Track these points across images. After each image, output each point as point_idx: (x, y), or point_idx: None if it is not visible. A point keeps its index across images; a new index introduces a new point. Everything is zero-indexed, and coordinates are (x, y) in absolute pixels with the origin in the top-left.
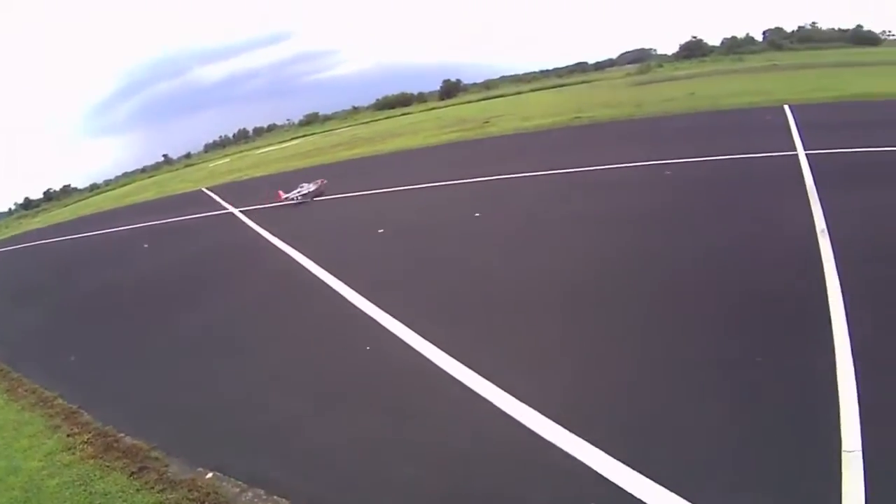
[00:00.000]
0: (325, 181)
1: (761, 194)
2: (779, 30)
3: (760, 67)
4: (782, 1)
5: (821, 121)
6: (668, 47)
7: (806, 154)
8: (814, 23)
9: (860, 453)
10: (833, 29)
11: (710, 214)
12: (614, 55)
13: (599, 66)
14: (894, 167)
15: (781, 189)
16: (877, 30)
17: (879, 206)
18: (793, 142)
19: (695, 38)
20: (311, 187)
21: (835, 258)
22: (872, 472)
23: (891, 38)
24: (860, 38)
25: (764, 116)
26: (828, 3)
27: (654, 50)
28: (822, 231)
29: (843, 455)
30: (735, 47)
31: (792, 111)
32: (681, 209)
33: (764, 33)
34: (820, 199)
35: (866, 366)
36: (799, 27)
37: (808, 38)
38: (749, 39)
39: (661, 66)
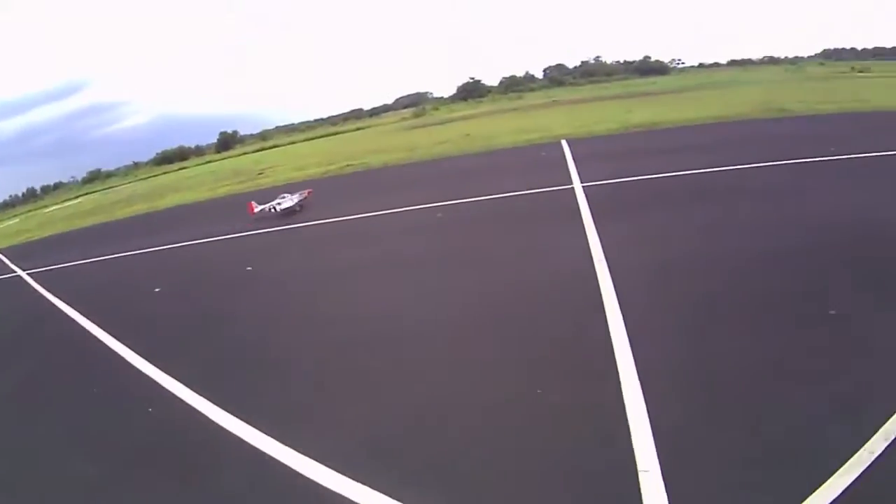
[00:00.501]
0: (311, 191)
1: (536, 229)
2: (560, 66)
3: (540, 105)
4: (567, 39)
5: (598, 153)
6: (446, 90)
7: (582, 186)
8: (598, 57)
9: (658, 472)
10: (618, 62)
11: (482, 253)
12: (390, 100)
13: (375, 112)
14: (664, 193)
15: (557, 222)
16: (665, 59)
17: (651, 232)
18: (569, 175)
19: (472, 79)
20: (296, 198)
21: (613, 285)
22: (671, 489)
23: (680, 66)
24: (647, 68)
25: (540, 152)
26: (615, 38)
27: (431, 93)
28: (600, 260)
29: (640, 475)
30: (514, 86)
31: (569, 145)
32: (453, 251)
33: (545, 71)
34: (596, 230)
35: (653, 388)
36: (582, 62)
37: (592, 72)
38: (529, 77)
39: (437, 108)
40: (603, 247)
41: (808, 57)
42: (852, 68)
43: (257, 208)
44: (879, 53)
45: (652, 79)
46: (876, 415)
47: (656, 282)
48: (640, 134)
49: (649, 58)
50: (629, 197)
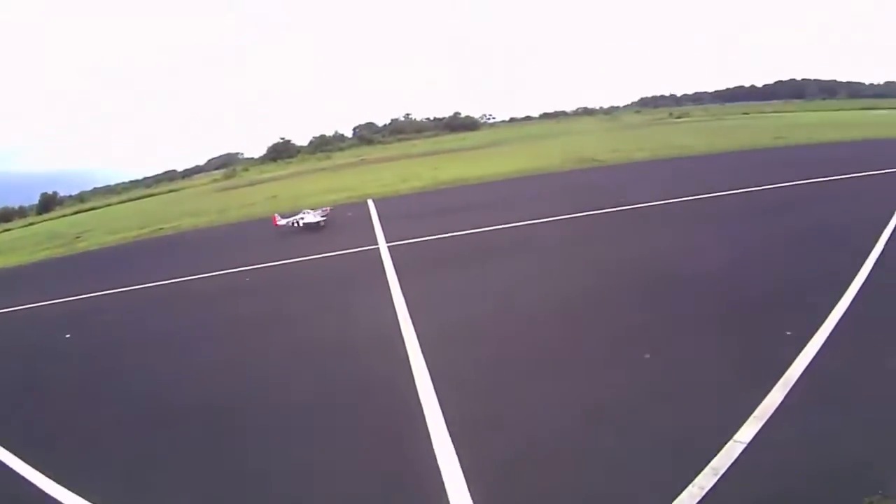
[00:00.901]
0: (329, 209)
1: (341, 292)
2: (370, 124)
3: (348, 164)
4: (377, 97)
5: (403, 212)
6: (256, 150)
7: (388, 246)
8: (408, 114)
9: None
10: (428, 118)
11: (289, 316)
12: (202, 161)
13: (188, 173)
14: (466, 250)
15: (362, 284)
16: (476, 115)
17: (449, 288)
18: (374, 236)
19: (283, 139)
20: (318, 214)
21: (419, 342)
22: None
23: (491, 121)
24: (458, 124)
25: (346, 213)
26: (425, 95)
27: (242, 153)
28: (405, 319)
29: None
30: (323, 145)
31: (375, 205)
32: (260, 316)
33: (354, 129)
34: (401, 289)
35: (463, 442)
36: (392, 120)
37: (401, 129)
38: (339, 137)
39: (246, 169)
40: (407, 305)
41: (625, 106)
42: (670, 114)
43: (281, 221)
44: (699, 98)
45: (462, 134)
46: (702, 452)
47: (454, 334)
48: (446, 191)
49: (459, 114)
50: (431, 255)
